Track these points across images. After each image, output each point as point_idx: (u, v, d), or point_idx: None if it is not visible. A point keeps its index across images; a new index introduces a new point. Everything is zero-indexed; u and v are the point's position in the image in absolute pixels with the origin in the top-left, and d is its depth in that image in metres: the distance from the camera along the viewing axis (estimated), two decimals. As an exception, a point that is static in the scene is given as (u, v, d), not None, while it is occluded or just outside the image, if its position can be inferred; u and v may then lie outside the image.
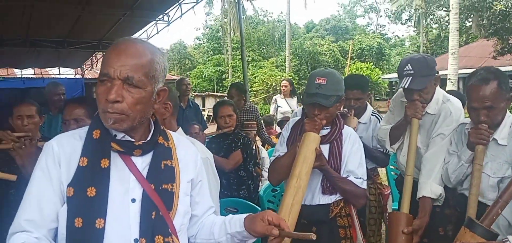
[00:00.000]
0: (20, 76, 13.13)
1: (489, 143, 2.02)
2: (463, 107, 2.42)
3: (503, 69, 2.25)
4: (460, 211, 2.06)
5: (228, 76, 30.37)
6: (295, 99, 6.51)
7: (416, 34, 37.05)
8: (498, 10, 15.74)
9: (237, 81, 23.10)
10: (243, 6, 30.42)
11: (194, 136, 3.26)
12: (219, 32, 36.52)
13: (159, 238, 1.21)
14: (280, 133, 2.84)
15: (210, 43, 38.39)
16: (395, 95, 2.75)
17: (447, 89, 14.69)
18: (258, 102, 22.80)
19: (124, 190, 1.22)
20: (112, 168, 1.21)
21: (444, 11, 29.04)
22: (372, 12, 46.84)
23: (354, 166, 2.12)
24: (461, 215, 1.97)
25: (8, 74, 14.03)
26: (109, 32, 8.55)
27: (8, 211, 2.21)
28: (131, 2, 6.66)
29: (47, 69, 14.61)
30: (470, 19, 26.53)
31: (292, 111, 5.82)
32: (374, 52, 30.29)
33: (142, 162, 1.26)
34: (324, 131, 2.14)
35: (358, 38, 32.61)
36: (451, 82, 15.39)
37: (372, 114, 2.96)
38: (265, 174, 3.69)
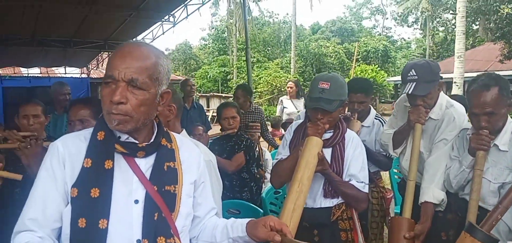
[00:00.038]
0: (26, 74, 13.23)
1: (490, 149, 2.02)
2: (467, 112, 2.42)
3: (510, 72, 2.25)
4: (461, 216, 2.06)
5: (233, 77, 30.41)
6: (302, 100, 6.50)
7: (422, 37, 36.91)
8: (505, 14, 15.66)
9: (242, 82, 23.16)
10: (248, 7, 30.63)
11: (198, 137, 3.29)
12: (224, 33, 36.58)
13: (161, 239, 1.23)
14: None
15: (216, 44, 38.46)
16: (398, 99, 2.75)
17: (452, 92, 14.64)
18: (263, 103, 22.81)
19: (127, 191, 1.24)
20: (116, 169, 1.23)
21: (450, 14, 28.90)
22: (378, 14, 46.75)
23: (356, 170, 2.13)
24: (462, 220, 1.97)
25: (14, 73, 14.16)
26: (115, 32, 8.61)
27: (13, 210, 2.24)
28: (137, 3, 6.71)
29: (53, 68, 14.72)
30: (477, 22, 26.39)
31: (298, 112, 5.83)
32: (379, 54, 30.20)
33: (146, 164, 1.28)
34: (327, 135, 2.14)
35: (364, 40, 32.53)
36: (457, 85, 15.31)
37: (375, 118, 2.96)
38: (268, 176, 3.70)
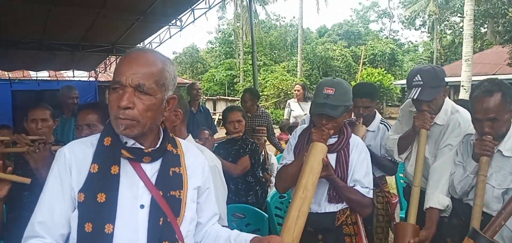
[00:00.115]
0: (35, 78, 13.35)
1: (494, 154, 2.02)
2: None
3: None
4: (466, 221, 2.05)
5: (239, 80, 30.47)
6: (309, 103, 6.48)
7: (430, 40, 36.73)
8: (513, 17, 15.54)
9: (249, 85, 23.19)
10: (255, 10, 30.74)
11: (204, 141, 3.31)
12: (231, 36, 36.70)
13: None
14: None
15: (222, 47, 38.58)
16: (403, 104, 2.75)
17: (460, 96, 14.54)
18: (269, 107, 22.80)
19: (133, 196, 1.25)
20: (122, 174, 1.25)
21: (458, 17, 28.73)
22: (385, 17, 46.61)
23: (360, 175, 2.13)
24: (466, 226, 1.97)
25: (24, 76, 14.29)
26: (123, 36, 8.68)
27: (21, 213, 2.28)
28: (144, 8, 6.75)
29: (62, 72, 14.81)
30: (485, 26, 26.21)
31: (305, 114, 5.82)
32: (386, 57, 30.06)
33: (151, 169, 1.30)
34: (332, 140, 2.15)
35: (370, 44, 32.40)
36: (465, 89, 15.20)
37: (380, 123, 2.96)
38: (274, 180, 3.71)
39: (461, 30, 24.73)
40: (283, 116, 7.69)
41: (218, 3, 7.76)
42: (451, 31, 32.13)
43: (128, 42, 9.25)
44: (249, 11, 8.32)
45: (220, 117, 4.40)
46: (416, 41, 45.81)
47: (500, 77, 15.79)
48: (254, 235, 1.39)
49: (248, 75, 28.40)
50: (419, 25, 37.45)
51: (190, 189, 1.36)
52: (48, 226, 1.22)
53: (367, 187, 2.13)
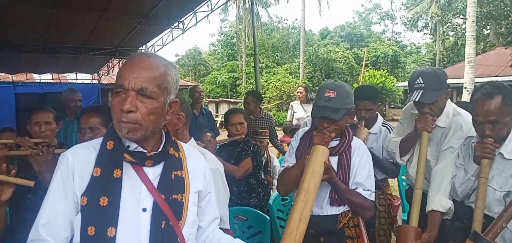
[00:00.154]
0: (38, 81, 13.42)
1: (495, 157, 2.02)
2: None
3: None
4: (468, 224, 2.05)
5: (242, 82, 30.50)
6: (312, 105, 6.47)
7: (433, 42, 36.69)
8: (516, 18, 15.49)
9: (251, 87, 23.21)
10: (257, 13, 30.78)
11: (206, 143, 3.32)
12: (233, 39, 36.76)
13: None
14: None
15: (225, 49, 38.66)
16: (405, 107, 2.76)
17: (463, 98, 14.50)
18: (272, 109, 22.81)
19: (136, 199, 1.26)
20: (124, 178, 1.26)
21: (461, 18, 28.68)
22: (387, 19, 46.55)
23: (362, 178, 2.13)
24: (468, 228, 1.97)
25: (27, 79, 14.35)
26: (125, 39, 8.71)
27: (25, 215, 2.29)
28: (147, 11, 6.78)
29: (65, 74, 14.88)
30: (488, 27, 26.14)
31: (307, 116, 5.82)
32: (389, 59, 30.03)
33: (154, 173, 1.31)
34: (333, 143, 2.15)
35: (373, 45, 32.38)
36: (467, 91, 15.15)
37: (382, 125, 2.97)
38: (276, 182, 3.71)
39: (464, 31, 24.68)
40: (286, 118, 7.70)
41: (220, 6, 7.78)
42: (453, 32, 32.09)
43: (131, 45, 9.28)
44: (251, 14, 8.33)
45: (223, 120, 4.41)
46: (418, 42, 45.81)
47: (503, 78, 15.78)
48: None
49: (250, 77, 28.44)
50: (422, 27, 37.49)
51: (192, 193, 1.37)
52: (52, 229, 1.23)
53: (368, 190, 2.13)
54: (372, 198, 2.15)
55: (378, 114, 3.02)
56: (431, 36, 36.35)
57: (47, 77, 13.99)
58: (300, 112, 6.21)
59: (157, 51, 9.92)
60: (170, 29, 8.39)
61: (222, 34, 40.73)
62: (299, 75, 28.16)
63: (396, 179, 4.04)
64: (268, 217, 2.96)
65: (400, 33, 52.94)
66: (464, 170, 2.15)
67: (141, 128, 1.22)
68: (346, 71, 29.07)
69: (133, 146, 1.29)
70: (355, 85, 18.04)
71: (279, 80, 25.67)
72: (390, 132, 2.88)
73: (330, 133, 2.06)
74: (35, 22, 6.75)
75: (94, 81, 12.95)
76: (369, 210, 2.16)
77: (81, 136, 2.13)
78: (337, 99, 2.06)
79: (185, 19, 7.88)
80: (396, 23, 46.51)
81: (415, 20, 36.08)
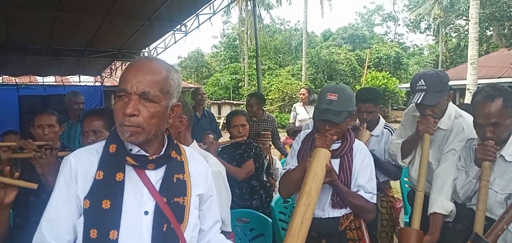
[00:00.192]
0: (42, 83, 13.48)
1: (497, 159, 2.02)
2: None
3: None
4: (469, 226, 2.05)
5: (244, 84, 30.52)
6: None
7: (435, 43, 36.60)
8: (519, 20, 15.45)
9: (254, 89, 23.22)
10: (260, 15, 30.82)
11: (208, 145, 3.32)
12: (236, 41, 36.80)
13: None
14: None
15: (227, 51, 38.69)
16: (407, 109, 2.76)
17: (466, 99, 14.46)
18: (274, 111, 22.81)
19: (138, 202, 1.27)
20: (127, 181, 1.27)
21: (463, 20, 28.62)
22: (390, 21, 46.51)
23: (364, 180, 2.13)
24: (470, 231, 1.97)
25: (30, 81, 14.43)
26: (128, 42, 8.75)
27: (28, 218, 2.31)
28: (149, 13, 6.81)
29: (68, 77, 14.96)
30: (491, 28, 26.08)
31: (310, 118, 5.82)
32: (391, 61, 30.00)
33: (156, 176, 1.32)
34: (335, 146, 2.15)
35: (375, 47, 32.36)
36: (470, 92, 15.11)
37: (384, 127, 2.97)
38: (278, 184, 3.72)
39: (467, 33, 24.62)
40: (288, 120, 7.70)
41: (222, 8, 7.80)
42: (456, 34, 31.99)
43: (134, 47, 9.32)
44: (253, 16, 8.34)
45: (225, 122, 4.42)
46: (421, 44, 45.64)
47: (506, 80, 15.73)
48: None
49: (253, 79, 28.46)
50: (424, 28, 37.41)
51: (194, 196, 1.38)
52: (55, 232, 1.24)
53: (370, 193, 2.13)
54: (374, 200, 2.15)
55: (380, 116, 3.02)
56: (434, 38, 36.29)
57: (50, 80, 14.07)
58: (303, 114, 6.21)
59: (159, 53, 9.97)
60: (172, 32, 8.43)
61: (225, 36, 40.78)
62: (302, 77, 28.16)
63: (398, 181, 4.04)
64: (270, 220, 2.97)
65: (403, 34, 53.09)
66: (466, 173, 2.15)
67: (143, 131, 1.23)
68: (349, 73, 29.06)
69: (135, 150, 1.30)
70: (358, 87, 18.03)
71: (282, 82, 25.68)
72: (391, 134, 2.88)
73: (332, 135, 2.06)
74: (38, 25, 6.81)
75: (97, 84, 13.01)
76: (370, 213, 2.16)
77: (84, 139, 2.14)
78: (339, 102, 2.06)
79: (187, 21, 7.91)
80: (399, 25, 46.55)
81: (417, 21, 36.04)
